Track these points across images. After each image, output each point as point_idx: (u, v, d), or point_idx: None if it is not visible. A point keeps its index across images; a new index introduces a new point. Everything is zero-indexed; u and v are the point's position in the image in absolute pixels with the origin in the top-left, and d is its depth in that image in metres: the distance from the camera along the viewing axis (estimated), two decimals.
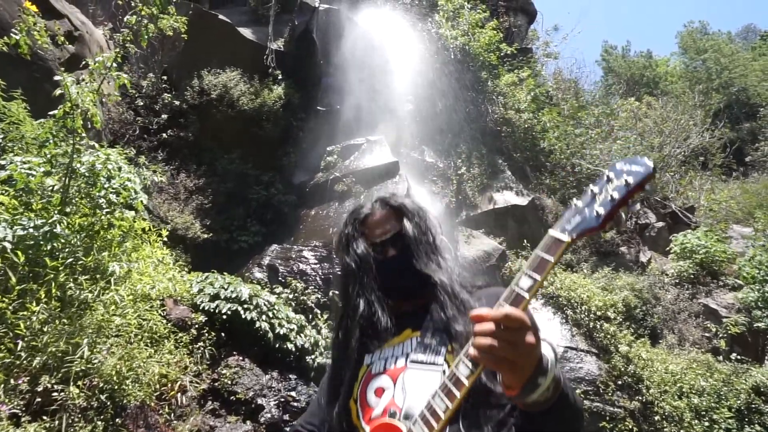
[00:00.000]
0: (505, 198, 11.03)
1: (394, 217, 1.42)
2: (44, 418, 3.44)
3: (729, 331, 8.55)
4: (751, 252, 9.55)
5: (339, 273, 1.46)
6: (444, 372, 1.16)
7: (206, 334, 5.44)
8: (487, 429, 1.12)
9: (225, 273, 6.63)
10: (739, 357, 8.11)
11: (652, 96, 18.45)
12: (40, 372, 3.65)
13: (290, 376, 5.81)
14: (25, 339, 3.70)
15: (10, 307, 3.78)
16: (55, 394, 3.59)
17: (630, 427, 7.39)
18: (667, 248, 10.76)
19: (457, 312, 1.25)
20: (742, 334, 8.48)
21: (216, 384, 5.12)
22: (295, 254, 7.88)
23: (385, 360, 1.29)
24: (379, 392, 1.23)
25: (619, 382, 7.85)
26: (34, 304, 3.85)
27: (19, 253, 4.03)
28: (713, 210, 13.95)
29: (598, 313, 8.67)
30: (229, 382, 5.15)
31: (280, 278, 7.59)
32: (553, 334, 8.75)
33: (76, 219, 4.76)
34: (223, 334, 5.66)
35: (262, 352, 5.84)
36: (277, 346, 5.89)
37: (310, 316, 6.98)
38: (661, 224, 11.62)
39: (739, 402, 7.42)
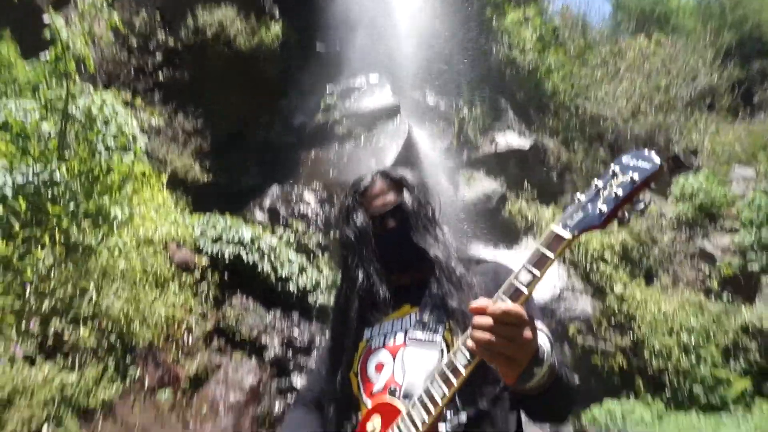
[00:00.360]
0: (507, 140, 10.92)
1: (394, 190, 1.39)
2: (57, 358, 3.59)
3: (722, 273, 8.72)
4: (751, 195, 9.57)
5: (339, 243, 1.47)
6: (442, 351, 1.20)
7: (210, 276, 5.57)
8: (482, 404, 1.16)
9: (227, 214, 6.70)
10: (730, 298, 8.32)
11: (662, 32, 17.82)
12: (49, 315, 3.78)
13: (292, 315, 5.99)
14: (33, 284, 3.81)
15: (16, 254, 3.86)
16: (66, 336, 3.73)
17: (620, 362, 7.70)
18: (668, 191, 10.76)
19: (454, 288, 1.26)
20: (735, 276, 8.65)
21: (221, 324, 5.30)
22: (295, 196, 7.92)
23: (384, 335, 1.32)
24: (379, 367, 1.27)
25: (613, 321, 8.10)
26: (39, 250, 3.93)
27: (21, 200, 4.06)
28: (716, 152, 13.83)
29: (596, 255, 8.81)
30: (234, 322, 5.32)
31: (281, 219, 7.67)
32: (550, 274, 8.94)
33: (74, 164, 4.76)
34: (226, 276, 5.79)
35: (265, 292, 5.98)
36: (279, 287, 6.03)
37: (311, 256, 7.10)
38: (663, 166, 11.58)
39: (726, 340, 7.69)
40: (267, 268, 5.97)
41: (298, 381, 4.92)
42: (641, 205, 0.97)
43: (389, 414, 1.10)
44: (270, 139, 9.36)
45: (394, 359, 1.25)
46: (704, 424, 6.86)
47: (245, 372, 4.73)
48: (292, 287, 6.10)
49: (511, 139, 11.02)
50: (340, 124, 9.05)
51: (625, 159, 0.96)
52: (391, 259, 1.35)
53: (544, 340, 1.02)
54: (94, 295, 3.98)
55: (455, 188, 10.10)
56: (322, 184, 7.94)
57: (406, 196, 1.35)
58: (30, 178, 4.32)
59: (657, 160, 0.92)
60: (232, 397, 4.44)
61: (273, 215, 7.80)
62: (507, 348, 0.91)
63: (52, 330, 3.70)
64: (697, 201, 9.95)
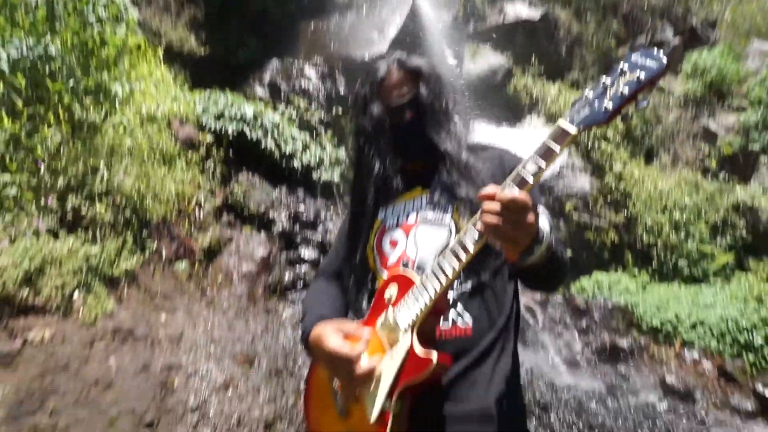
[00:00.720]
0: (516, 10, 10.32)
1: (410, 80, 1.40)
2: (79, 232, 3.78)
3: (722, 152, 8.76)
4: (764, 73, 9.28)
5: (354, 132, 1.50)
6: (450, 231, 1.30)
7: (215, 153, 5.63)
8: (485, 275, 1.30)
9: (227, 90, 6.58)
10: (726, 176, 8.45)
11: None
12: (65, 192, 3.91)
13: (298, 191, 6.16)
14: (45, 162, 3.88)
15: (23, 131, 3.88)
16: (83, 211, 3.89)
17: (612, 237, 8.04)
18: (679, 67, 10.41)
19: (463, 177, 1.34)
20: (735, 155, 8.70)
21: (229, 199, 5.47)
22: (296, 70, 7.70)
23: (397, 215, 1.42)
24: (393, 244, 1.39)
25: (609, 198, 8.31)
26: (46, 128, 3.94)
27: (19, 75, 3.99)
28: (736, 24, 13.12)
29: (598, 133, 8.78)
30: (242, 198, 5.49)
31: (282, 95, 7.54)
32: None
33: (67, 36, 4.59)
34: (231, 153, 5.86)
35: (270, 169, 6.09)
36: (283, 163, 6.13)
37: (314, 133, 7.10)
38: (677, 41, 11.06)
39: (716, 217, 7.96)
40: (271, 144, 6.02)
41: (306, 253, 5.21)
42: (645, 103, 1.02)
43: (404, 284, 1.22)
44: (268, 8, 8.85)
45: (407, 236, 1.37)
46: (684, 293, 7.36)
47: (256, 244, 4.99)
48: (296, 164, 6.19)
49: (521, 9, 10.41)
50: None
51: (634, 57, 1.00)
52: (406, 149, 1.41)
53: (544, 223, 1.11)
54: (106, 173, 4.07)
55: (460, 62, 9.78)
56: (324, 58, 7.68)
57: (423, 88, 1.38)
58: (24, 53, 4.20)
59: (664, 59, 0.96)
60: (245, 267, 4.74)
61: (273, 90, 7.65)
62: (511, 231, 1.01)
63: (69, 206, 3.84)
64: (708, 78, 9.67)
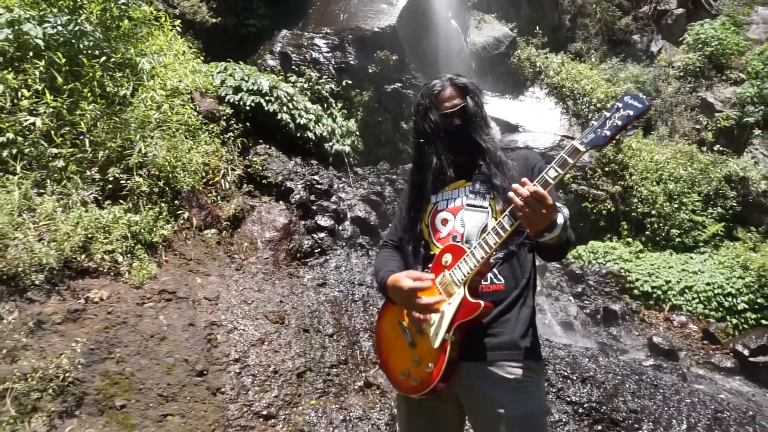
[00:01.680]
0: None
1: (459, 94, 1.76)
2: (121, 201, 4.11)
3: (718, 124, 9.04)
4: (763, 46, 9.47)
5: (415, 133, 1.86)
6: (488, 213, 1.68)
7: (234, 125, 5.90)
8: (513, 246, 1.73)
9: (240, 62, 6.79)
10: (721, 149, 8.76)
11: None
12: (106, 164, 4.21)
13: (312, 161, 6.47)
14: (86, 135, 4.17)
15: (65, 106, 4.16)
16: (123, 182, 4.21)
17: (609, 206, 8.41)
18: (681, 38, 10.57)
19: (498, 169, 1.70)
20: (731, 127, 8.99)
21: (248, 170, 5.78)
22: (306, 41, 7.88)
23: (447, 200, 1.81)
24: (444, 222, 1.78)
25: (606, 169, 8.63)
26: (85, 103, 4.22)
27: (60, 54, 4.24)
28: None
29: (599, 105, 9.04)
30: (260, 168, 5.79)
31: (293, 66, 7.74)
32: (552, 123, 9.25)
33: (93, 10, 4.81)
34: (248, 125, 6.12)
35: (285, 140, 6.38)
36: (298, 135, 6.41)
37: (326, 105, 7.35)
38: (680, 11, 11.17)
39: (709, 188, 8.32)
40: (286, 116, 6.28)
41: (322, 221, 5.56)
42: (632, 132, 1.45)
43: (457, 252, 1.65)
44: None
45: (454, 217, 1.77)
46: (675, 261, 7.79)
47: (276, 213, 5.33)
48: (310, 135, 6.47)
49: None
50: None
51: (626, 98, 1.39)
52: (455, 147, 1.76)
53: (560, 218, 1.48)
54: (142, 146, 4.36)
55: (464, 32, 9.91)
56: (334, 30, 7.83)
57: (469, 101, 1.72)
58: (60, 29, 4.44)
59: (647, 102, 1.34)
60: (267, 235, 5.09)
61: (285, 60, 7.84)
62: (531, 215, 1.45)
63: (111, 177, 4.16)
64: (708, 50, 9.86)
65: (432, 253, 1.74)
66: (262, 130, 6.25)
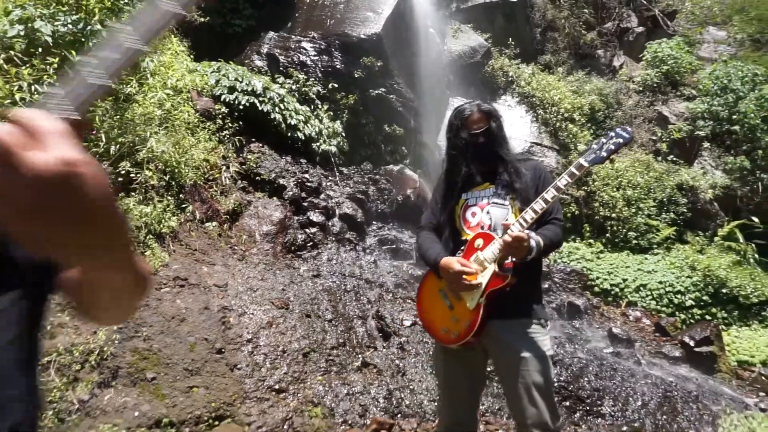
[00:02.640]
0: None
1: (484, 118, 2.19)
2: (132, 194, 4.37)
3: (672, 136, 9.82)
4: (713, 66, 10.32)
5: (449, 146, 2.29)
6: (508, 209, 2.13)
7: (228, 124, 6.18)
8: None
9: (230, 62, 7.05)
10: (674, 159, 9.53)
11: None
12: (117, 159, 4.46)
13: (301, 160, 6.80)
14: (98, 131, 4.41)
15: None
16: (132, 175, 4.46)
17: (573, 210, 9.04)
18: (641, 55, 11.36)
19: (516, 176, 2.14)
20: (683, 139, 9.78)
21: (243, 167, 6.07)
22: (294, 44, 8.17)
23: (475, 198, 2.23)
24: (473, 214, 2.21)
25: None
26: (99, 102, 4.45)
27: (73, 52, 4.46)
28: (695, 14, 14.18)
29: (566, 115, 9.68)
30: (254, 165, 6.09)
31: (281, 68, 8.02)
32: (522, 130, 9.83)
33: (96, 9, 5.03)
34: (241, 123, 6.40)
35: (276, 139, 6.68)
36: (288, 134, 6.73)
37: (312, 107, 7.67)
38: (641, 29, 11.98)
39: (663, 195, 9.06)
40: (278, 116, 6.60)
41: (314, 217, 5.91)
42: (619, 155, 1.99)
43: (487, 238, 2.09)
44: None
45: (482, 211, 2.21)
46: (632, 261, 8.47)
47: (272, 208, 5.65)
48: (299, 135, 6.80)
49: None
50: None
51: (617, 129, 1.87)
52: (480, 159, 2.19)
53: (533, 243, 1.98)
54: (154, 142, 4.63)
55: (442, 39, 10.38)
56: (320, 35, 8.15)
57: (492, 124, 2.15)
58: (70, 27, 4.65)
59: (632, 134, 1.83)
60: (264, 228, 5.41)
61: (272, 62, 8.11)
62: (514, 251, 1.97)
63: (123, 171, 4.41)
64: (665, 67, 10.66)
65: (463, 238, 2.16)
66: (254, 129, 6.53)
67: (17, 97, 4.00)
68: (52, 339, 3.07)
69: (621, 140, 2.01)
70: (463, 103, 2.32)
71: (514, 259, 2.02)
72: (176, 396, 3.12)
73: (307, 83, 7.78)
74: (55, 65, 4.41)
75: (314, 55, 8.07)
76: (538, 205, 1.99)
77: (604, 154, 2.00)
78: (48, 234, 0.54)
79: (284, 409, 3.40)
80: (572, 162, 8.80)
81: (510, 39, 10.67)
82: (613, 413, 4.39)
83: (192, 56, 7.42)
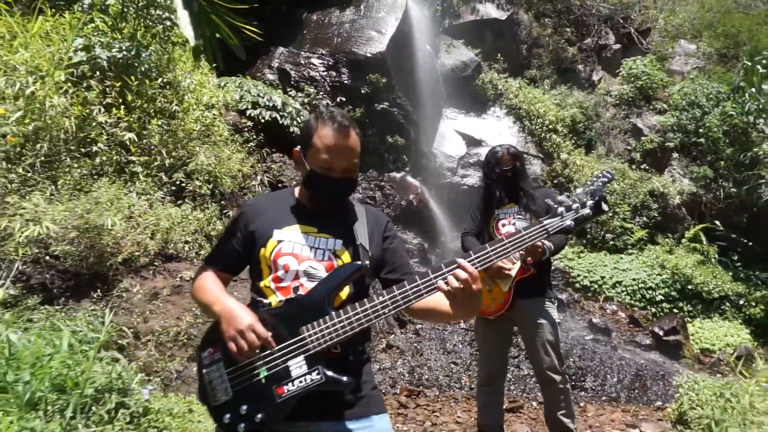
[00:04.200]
0: (487, 10, 11.81)
1: (512, 159, 2.97)
2: (185, 201, 5.05)
3: (645, 147, 10.78)
4: (682, 83, 11.33)
5: (485, 177, 3.06)
6: (528, 221, 2.88)
7: (253, 136, 6.86)
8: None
9: (246, 76, 7.73)
10: (647, 168, 10.49)
11: None
12: (171, 170, 5.13)
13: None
14: (155, 147, 5.08)
15: (137, 122, 5.05)
16: (185, 185, 5.14)
17: None
18: (618, 70, 12.32)
19: (531, 200, 2.92)
20: (655, 150, 10.75)
21: (266, 175, 6.76)
22: (304, 60, 8.87)
23: (505, 213, 3.00)
24: (503, 225, 2.97)
25: (555, 181, 10.15)
26: (154, 119, 5.13)
27: (133, 78, 5.13)
28: (667, 30, 15.27)
29: (550, 126, 10.56)
30: (278, 173, 6.80)
31: (292, 82, 8.71)
32: (510, 139, 10.67)
33: (145, 36, 5.69)
34: (262, 135, 7.09)
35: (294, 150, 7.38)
36: None
37: None
38: (617, 46, 12.95)
39: (636, 200, 10.00)
40: (296, 129, 7.29)
41: None
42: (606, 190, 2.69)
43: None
44: None
45: (510, 223, 2.97)
46: (609, 260, 9.38)
47: None
48: None
49: (490, 9, 11.92)
50: None
51: (604, 172, 2.62)
52: (508, 188, 2.95)
53: (549, 246, 2.75)
54: (203, 157, 5.31)
55: (436, 54, 11.17)
56: (329, 51, 8.86)
57: (517, 163, 2.93)
58: (125, 53, 5.30)
59: (613, 175, 2.60)
60: None
61: (283, 76, 8.79)
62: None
63: (178, 181, 5.09)
64: (639, 83, 11.64)
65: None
66: (275, 141, 7.23)
67: (96, 117, 4.66)
68: (146, 323, 3.76)
69: (609, 177, 2.81)
70: (497, 146, 3.09)
71: (531, 260, 2.80)
72: None
73: (317, 97, 8.49)
74: (117, 89, 5.08)
75: (323, 71, 8.77)
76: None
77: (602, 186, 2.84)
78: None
79: None
80: (554, 169, 9.59)
81: (498, 54, 11.50)
82: (594, 387, 5.23)
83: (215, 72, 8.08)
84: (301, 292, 1.39)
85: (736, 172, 9.69)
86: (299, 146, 1.55)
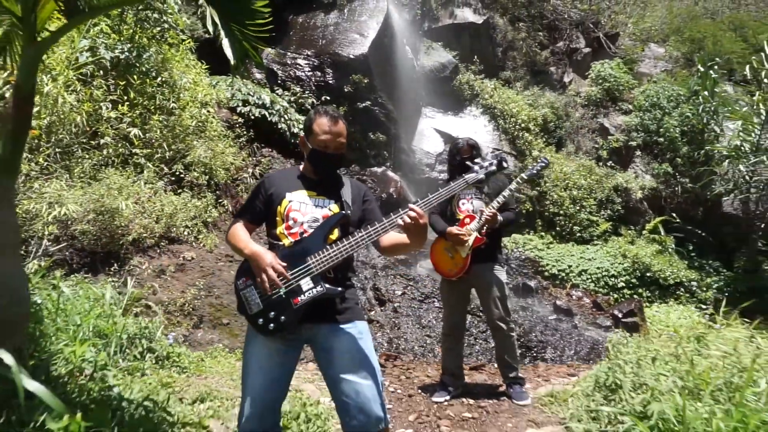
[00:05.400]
0: (464, 14, 12.42)
1: (470, 149, 3.54)
2: (183, 190, 5.53)
3: (611, 145, 11.50)
4: (645, 86, 12.08)
5: (449, 164, 3.62)
6: (484, 203, 3.46)
7: (243, 132, 7.35)
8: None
9: (237, 77, 8.20)
10: (612, 164, 11.21)
11: None
12: (170, 162, 5.61)
13: (302, 162, 8.02)
14: (157, 140, 5.55)
15: (138, 118, 5.52)
16: (184, 176, 5.62)
17: (528, 207, 10.55)
18: (587, 73, 13.02)
19: (486, 184, 3.48)
20: (620, 148, 11.46)
21: (257, 168, 7.26)
22: (290, 60, 9.36)
23: (464, 194, 3.55)
24: (463, 204, 3.52)
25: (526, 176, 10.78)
26: (156, 115, 5.60)
27: (135, 77, 5.59)
28: (636, 34, 16.07)
29: (523, 125, 11.20)
30: (267, 167, 7.29)
31: (279, 81, 9.20)
32: (485, 137, 11.29)
33: (143, 37, 6.14)
34: (252, 131, 7.58)
35: (281, 145, 7.89)
36: (291, 141, 7.94)
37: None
38: (587, 50, 13.66)
39: (602, 195, 10.70)
40: (284, 126, 7.81)
41: None
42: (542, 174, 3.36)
43: (471, 217, 3.43)
44: None
45: (468, 202, 3.53)
46: (575, 250, 10.05)
47: None
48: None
49: (468, 13, 12.52)
50: None
51: (541, 158, 3.26)
52: (466, 171, 3.52)
53: (500, 219, 3.36)
54: (200, 150, 5.79)
55: (416, 56, 11.74)
56: (314, 53, 9.37)
57: (474, 152, 3.49)
58: (126, 54, 5.77)
59: (548, 162, 3.21)
60: None
61: (271, 75, 9.27)
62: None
63: (177, 172, 5.57)
64: (606, 85, 12.36)
65: (458, 217, 3.49)
66: (263, 136, 7.72)
67: (103, 113, 5.12)
68: (154, 294, 4.26)
69: (544, 164, 3.50)
70: (458, 139, 3.65)
71: (485, 230, 3.36)
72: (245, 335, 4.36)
73: (303, 95, 8.99)
74: (122, 87, 5.54)
75: (308, 71, 9.28)
76: (500, 199, 3.36)
77: (534, 171, 3.50)
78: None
79: None
80: (523, 169, 10.33)
81: (475, 56, 12.11)
82: (553, 358, 5.85)
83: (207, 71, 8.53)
84: (305, 236, 1.94)
85: (692, 168, 10.44)
86: (303, 133, 2.11)
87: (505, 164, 2.22)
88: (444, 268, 3.52)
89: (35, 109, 4.57)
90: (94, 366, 2.17)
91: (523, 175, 3.60)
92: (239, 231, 2.04)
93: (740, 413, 1.88)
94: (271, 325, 1.86)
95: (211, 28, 1.82)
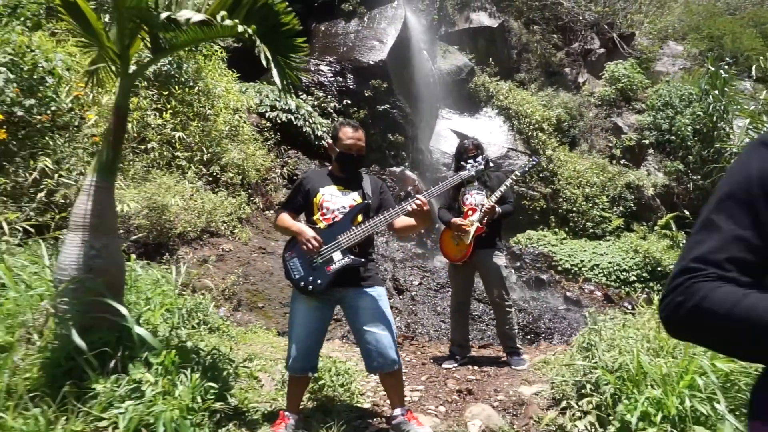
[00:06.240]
0: (480, 18, 12.85)
1: (475, 148, 4.00)
2: (220, 189, 6.11)
3: (624, 144, 11.81)
4: (659, 85, 12.36)
5: (456, 163, 4.10)
6: (485, 196, 3.94)
7: (271, 135, 7.92)
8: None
9: (263, 82, 8.78)
10: (625, 162, 11.53)
11: None
12: (207, 164, 6.20)
13: (325, 163, 8.57)
14: (197, 144, 6.14)
15: (179, 124, 6.11)
16: (219, 176, 6.20)
17: (541, 204, 10.95)
18: (601, 73, 13.34)
19: (489, 180, 3.95)
20: (632, 146, 11.77)
21: (285, 169, 7.82)
22: (313, 66, 9.92)
23: (468, 190, 4.02)
24: (467, 198, 4.00)
25: (541, 175, 11.18)
26: (195, 122, 6.19)
27: (176, 87, 6.19)
28: (653, 33, 16.29)
29: (536, 125, 11.59)
30: (293, 168, 7.85)
31: (303, 86, 9.75)
32: (500, 137, 11.71)
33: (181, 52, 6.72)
34: (278, 134, 8.15)
35: (306, 147, 8.45)
36: (316, 143, 8.49)
37: (331, 120, 9.43)
38: (602, 50, 13.96)
39: (614, 192, 11.03)
40: (308, 129, 8.36)
41: None
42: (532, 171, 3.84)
43: (473, 210, 3.90)
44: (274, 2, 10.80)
45: (471, 196, 4.00)
46: (588, 246, 10.41)
47: None
48: (324, 143, 8.56)
49: (483, 17, 12.95)
50: (345, 2, 10.63)
51: (533, 157, 3.73)
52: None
53: (499, 210, 3.83)
54: (235, 153, 6.37)
55: (433, 59, 12.21)
56: (335, 59, 9.92)
57: (479, 152, 3.97)
58: (168, 68, 6.36)
59: (538, 160, 3.71)
60: None
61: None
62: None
63: (214, 173, 6.15)
64: (620, 85, 12.67)
65: (462, 210, 3.97)
66: (289, 139, 8.29)
67: (150, 121, 5.72)
68: (199, 281, 4.83)
69: (534, 162, 4.00)
70: (464, 140, 4.14)
71: (486, 220, 3.82)
72: (278, 317, 4.91)
73: (326, 100, 9.54)
74: (165, 97, 6.15)
75: (331, 77, 9.83)
76: (498, 193, 3.84)
77: (525, 168, 3.96)
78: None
79: (341, 330, 5.21)
80: (540, 164, 10.73)
81: (490, 59, 12.53)
82: (560, 343, 6.28)
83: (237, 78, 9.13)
84: (336, 220, 2.47)
85: (703, 166, 10.71)
86: (330, 140, 2.65)
87: (491, 164, 2.72)
88: (450, 253, 4.01)
89: (95, 118, 5.19)
90: (171, 326, 2.72)
91: (516, 172, 4.10)
92: (286, 217, 2.58)
93: (685, 361, 2.35)
94: (311, 287, 2.39)
95: (264, 62, 2.31)
